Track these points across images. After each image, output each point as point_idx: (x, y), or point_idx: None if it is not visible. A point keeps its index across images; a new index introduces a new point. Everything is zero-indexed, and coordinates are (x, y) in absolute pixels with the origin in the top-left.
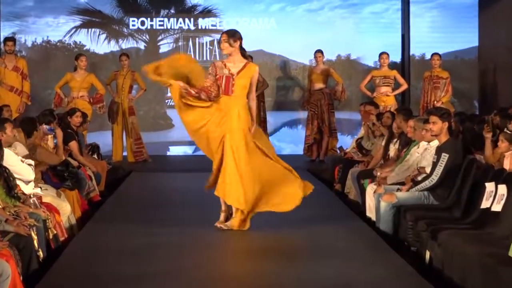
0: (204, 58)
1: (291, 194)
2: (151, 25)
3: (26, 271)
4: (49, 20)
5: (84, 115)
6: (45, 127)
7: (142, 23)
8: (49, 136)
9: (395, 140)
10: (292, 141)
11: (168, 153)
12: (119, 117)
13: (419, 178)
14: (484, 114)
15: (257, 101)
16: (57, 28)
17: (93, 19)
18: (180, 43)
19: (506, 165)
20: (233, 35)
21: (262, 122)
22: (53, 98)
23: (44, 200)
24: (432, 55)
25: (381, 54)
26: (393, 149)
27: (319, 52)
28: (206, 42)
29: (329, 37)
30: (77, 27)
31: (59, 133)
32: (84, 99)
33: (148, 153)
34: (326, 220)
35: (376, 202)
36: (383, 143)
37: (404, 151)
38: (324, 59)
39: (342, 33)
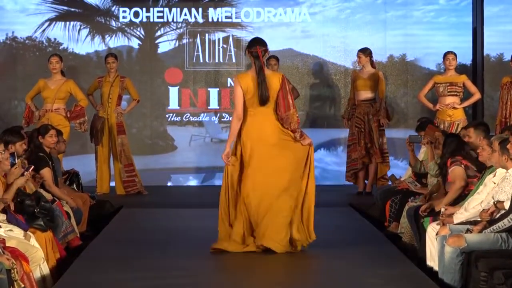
0: (216, 60)
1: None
2: (148, 17)
3: None
4: (15, 10)
5: (59, 134)
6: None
7: (136, 14)
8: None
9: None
10: (330, 167)
11: (169, 184)
12: (105, 136)
13: (496, 215)
14: None
15: None
16: (25, 21)
17: (72, 9)
18: (184, 40)
19: None
20: None
21: None
22: (24, 112)
23: (9, 244)
24: None
25: (446, 54)
26: None
27: (364, 51)
28: (219, 39)
29: (378, 33)
30: (51, 20)
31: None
32: (59, 113)
33: (142, 183)
34: (375, 269)
35: (439, 246)
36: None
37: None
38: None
39: (395, 27)
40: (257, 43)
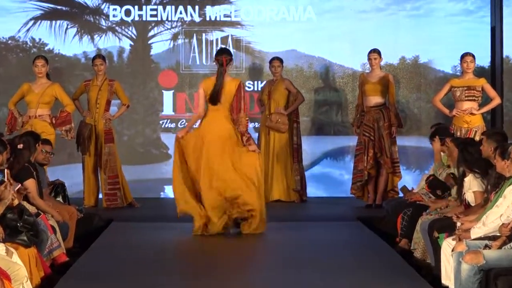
0: (214, 62)
1: None
2: (140, 16)
3: None
4: None
5: (46, 143)
6: None
7: (127, 12)
8: None
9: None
10: (338, 178)
11: (163, 195)
12: (92, 144)
13: None
14: None
15: (289, 121)
16: (8, 20)
17: (58, 7)
18: (180, 41)
19: None
20: None
21: (294, 150)
22: (6, 119)
23: None
24: None
25: (463, 56)
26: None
27: (375, 52)
28: (217, 39)
29: (389, 33)
30: (36, 19)
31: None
32: (43, 119)
33: (129, 198)
34: (386, 287)
35: (455, 263)
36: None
37: (494, 193)
38: (382, 63)
39: (407, 26)
40: (224, 52)
